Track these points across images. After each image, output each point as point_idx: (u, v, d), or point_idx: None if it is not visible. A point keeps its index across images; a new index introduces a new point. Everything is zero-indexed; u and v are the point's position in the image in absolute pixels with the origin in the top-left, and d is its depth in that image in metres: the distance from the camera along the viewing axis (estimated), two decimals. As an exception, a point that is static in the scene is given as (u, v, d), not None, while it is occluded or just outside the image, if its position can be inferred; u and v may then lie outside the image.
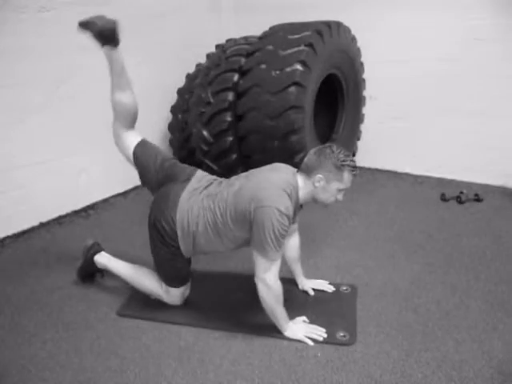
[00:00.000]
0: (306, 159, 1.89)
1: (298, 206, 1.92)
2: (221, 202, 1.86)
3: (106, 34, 1.93)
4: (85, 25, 1.97)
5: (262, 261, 1.77)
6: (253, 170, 1.98)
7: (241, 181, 1.91)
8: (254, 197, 1.76)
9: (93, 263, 2.27)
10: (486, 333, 1.92)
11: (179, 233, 1.91)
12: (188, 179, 2.00)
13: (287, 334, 1.90)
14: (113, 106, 2.11)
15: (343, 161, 1.81)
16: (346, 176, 1.83)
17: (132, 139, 2.12)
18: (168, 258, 1.98)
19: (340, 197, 1.90)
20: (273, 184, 1.79)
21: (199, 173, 2.06)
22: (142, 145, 2.12)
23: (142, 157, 2.08)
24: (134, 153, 2.09)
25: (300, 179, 1.87)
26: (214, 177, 2.08)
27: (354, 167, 1.84)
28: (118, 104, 2.08)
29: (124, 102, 2.08)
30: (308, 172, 1.85)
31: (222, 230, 1.87)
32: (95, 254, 2.27)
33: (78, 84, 3.10)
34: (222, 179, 2.04)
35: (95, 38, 1.97)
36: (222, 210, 1.85)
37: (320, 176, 1.82)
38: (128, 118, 2.13)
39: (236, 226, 1.84)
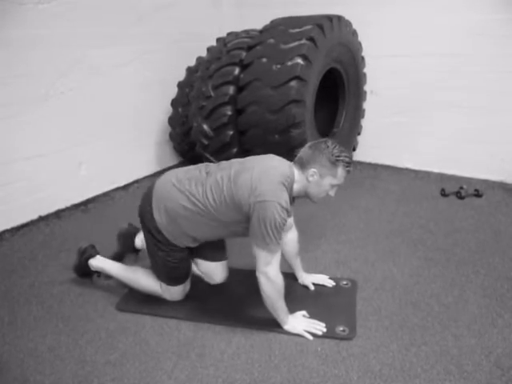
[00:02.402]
0: (300, 152, 1.87)
1: (292, 199, 1.91)
2: (213, 185, 1.83)
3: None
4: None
5: (263, 254, 1.76)
6: (248, 158, 1.95)
7: (236, 167, 1.86)
8: (254, 190, 1.74)
9: (87, 267, 2.24)
10: (484, 327, 1.93)
11: (161, 222, 1.89)
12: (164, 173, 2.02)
13: (287, 327, 1.90)
14: None
15: (338, 156, 1.79)
16: (340, 171, 1.82)
17: None
18: (164, 257, 1.96)
19: (332, 193, 1.89)
20: (272, 177, 1.77)
21: (171, 170, 2.06)
22: None
23: None
24: None
25: (295, 172, 1.85)
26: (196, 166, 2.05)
27: (349, 163, 1.82)
28: None
29: None
30: (302, 166, 1.83)
31: (212, 213, 1.83)
32: (89, 258, 2.23)
33: (78, 77, 3.09)
34: (208, 164, 2.01)
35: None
36: (214, 195, 1.81)
37: (314, 170, 1.80)
38: None
39: (228, 209, 1.81)
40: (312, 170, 1.81)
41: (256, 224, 1.74)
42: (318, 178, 1.82)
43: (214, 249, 2.14)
